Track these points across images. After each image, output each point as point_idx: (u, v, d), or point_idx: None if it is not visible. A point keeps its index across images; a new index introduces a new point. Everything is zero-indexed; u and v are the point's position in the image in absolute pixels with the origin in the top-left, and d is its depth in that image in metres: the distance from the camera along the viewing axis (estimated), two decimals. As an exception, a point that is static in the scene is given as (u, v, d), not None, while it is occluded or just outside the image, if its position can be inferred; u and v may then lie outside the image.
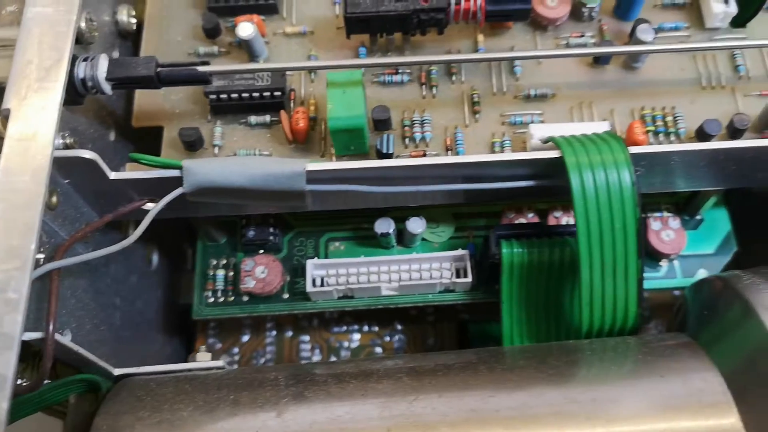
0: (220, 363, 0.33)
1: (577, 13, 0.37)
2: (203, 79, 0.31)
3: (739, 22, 0.37)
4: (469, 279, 0.36)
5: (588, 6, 0.36)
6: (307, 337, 0.43)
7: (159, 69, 0.31)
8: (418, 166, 0.31)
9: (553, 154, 0.31)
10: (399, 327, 0.43)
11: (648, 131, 0.35)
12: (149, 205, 0.31)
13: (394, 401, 0.28)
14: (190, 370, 0.32)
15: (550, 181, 0.32)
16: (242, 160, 0.32)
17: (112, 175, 0.30)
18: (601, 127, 0.33)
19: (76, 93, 0.31)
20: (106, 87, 0.31)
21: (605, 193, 0.29)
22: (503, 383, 0.29)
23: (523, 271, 0.34)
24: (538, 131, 0.33)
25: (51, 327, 0.26)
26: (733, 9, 0.36)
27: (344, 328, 0.43)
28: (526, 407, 0.28)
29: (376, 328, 0.43)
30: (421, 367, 0.30)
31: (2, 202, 0.25)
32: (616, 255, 0.30)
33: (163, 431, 0.28)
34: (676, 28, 0.37)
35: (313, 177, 0.30)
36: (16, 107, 0.27)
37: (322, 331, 0.43)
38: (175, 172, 0.30)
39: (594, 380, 0.29)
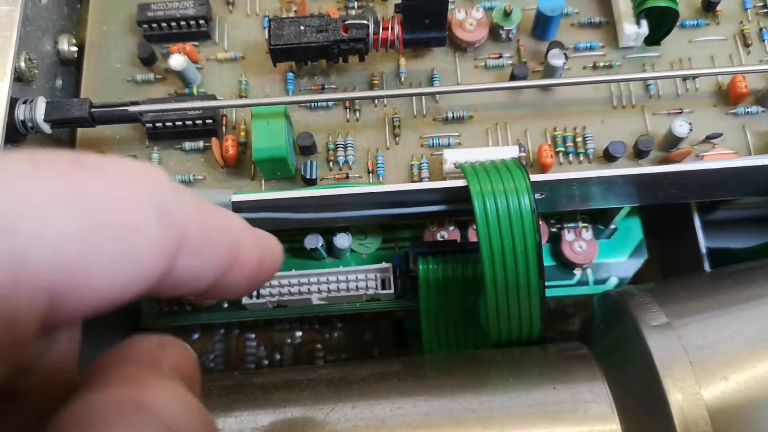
0: None
1: (495, 35, 0.38)
2: (134, 119, 0.33)
3: (653, 40, 0.38)
4: (392, 290, 0.38)
5: (505, 28, 0.38)
6: (252, 335, 0.46)
7: (92, 110, 0.33)
8: (338, 195, 0.33)
9: (462, 182, 0.33)
10: (338, 324, 0.46)
11: (558, 152, 0.36)
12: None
13: (313, 411, 0.31)
14: None
15: (462, 205, 0.34)
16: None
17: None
18: (511, 151, 0.35)
19: (17, 132, 0.33)
20: (45, 127, 0.33)
21: (506, 220, 0.31)
22: (411, 394, 0.32)
23: (439, 285, 0.36)
24: (452, 156, 0.35)
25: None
26: (644, 30, 0.37)
27: (287, 326, 0.46)
28: (428, 417, 0.30)
29: (317, 326, 0.46)
30: (341, 378, 0.33)
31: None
32: (519, 276, 0.32)
33: None
34: (591, 48, 0.38)
35: (238, 207, 0.33)
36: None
37: (267, 329, 0.46)
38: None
39: (493, 391, 0.32)
